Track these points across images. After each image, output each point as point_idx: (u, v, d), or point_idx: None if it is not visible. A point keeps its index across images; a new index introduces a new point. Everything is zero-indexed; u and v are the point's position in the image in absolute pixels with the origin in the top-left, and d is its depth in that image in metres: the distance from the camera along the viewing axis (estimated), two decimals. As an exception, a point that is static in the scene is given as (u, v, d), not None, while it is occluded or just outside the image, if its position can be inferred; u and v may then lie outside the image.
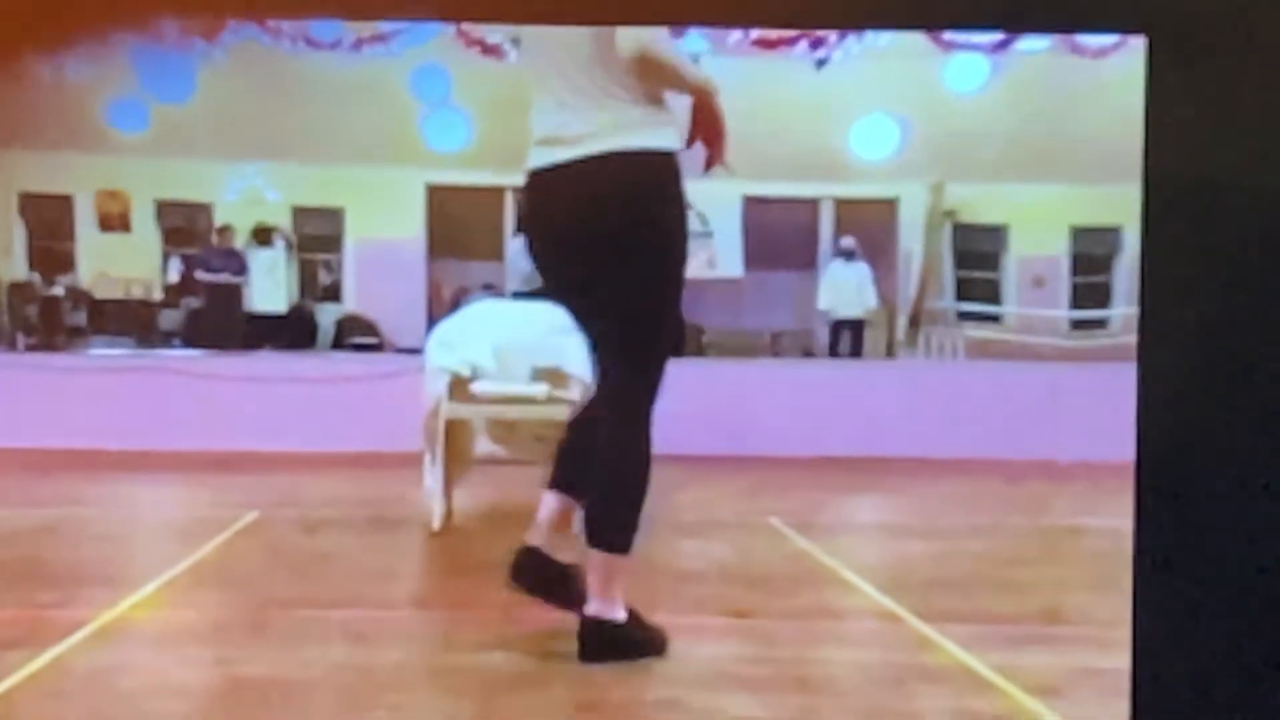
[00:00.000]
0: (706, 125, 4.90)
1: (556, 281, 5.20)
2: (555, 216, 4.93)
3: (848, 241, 21.84)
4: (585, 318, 5.11)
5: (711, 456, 13.29)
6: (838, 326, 21.66)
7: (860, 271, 21.63)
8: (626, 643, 4.83)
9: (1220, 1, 1.30)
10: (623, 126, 4.74)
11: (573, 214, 4.85)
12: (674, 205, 4.86)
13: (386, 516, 9.41)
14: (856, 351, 21.45)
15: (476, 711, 4.17)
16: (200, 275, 20.61)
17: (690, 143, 4.88)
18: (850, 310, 21.52)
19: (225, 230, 21.18)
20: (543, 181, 4.87)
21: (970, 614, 5.87)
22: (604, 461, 4.92)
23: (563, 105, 4.79)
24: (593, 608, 4.82)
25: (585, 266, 4.91)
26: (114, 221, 22.98)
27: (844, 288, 21.52)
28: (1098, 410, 10.49)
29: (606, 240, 4.82)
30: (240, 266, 20.73)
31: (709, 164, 4.96)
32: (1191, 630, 1.36)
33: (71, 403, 14.56)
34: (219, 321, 19.96)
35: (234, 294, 20.58)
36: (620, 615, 4.84)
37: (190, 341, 20.04)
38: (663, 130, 4.79)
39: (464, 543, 8.17)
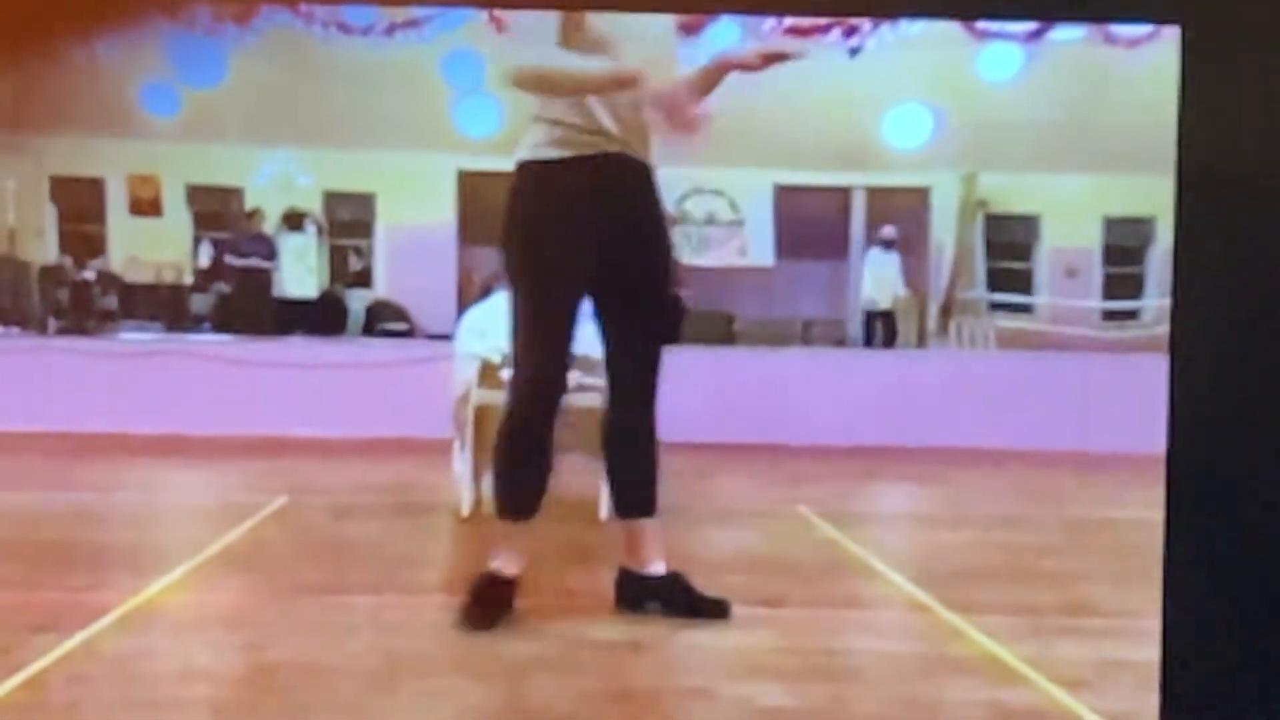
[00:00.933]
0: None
1: None
2: None
3: (890, 230, 21.84)
4: None
5: (741, 445, 13.29)
6: (871, 317, 21.67)
7: (894, 262, 21.67)
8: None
9: (1255, -8, 1.29)
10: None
11: None
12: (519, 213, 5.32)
13: (416, 502, 9.43)
14: (890, 341, 21.45)
15: (505, 698, 4.17)
16: (230, 260, 20.64)
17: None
18: (886, 301, 21.56)
19: (254, 214, 21.21)
20: None
21: (1000, 605, 5.86)
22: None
23: None
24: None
25: None
26: (145, 206, 23.03)
27: (885, 277, 21.56)
28: (1129, 401, 10.47)
29: None
30: (270, 251, 20.76)
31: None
32: (1221, 623, 1.36)
33: (102, 387, 14.62)
34: (249, 307, 20.00)
35: (264, 279, 20.62)
36: None
37: (220, 326, 20.07)
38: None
39: (493, 529, 8.17)
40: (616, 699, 4.18)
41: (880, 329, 21.53)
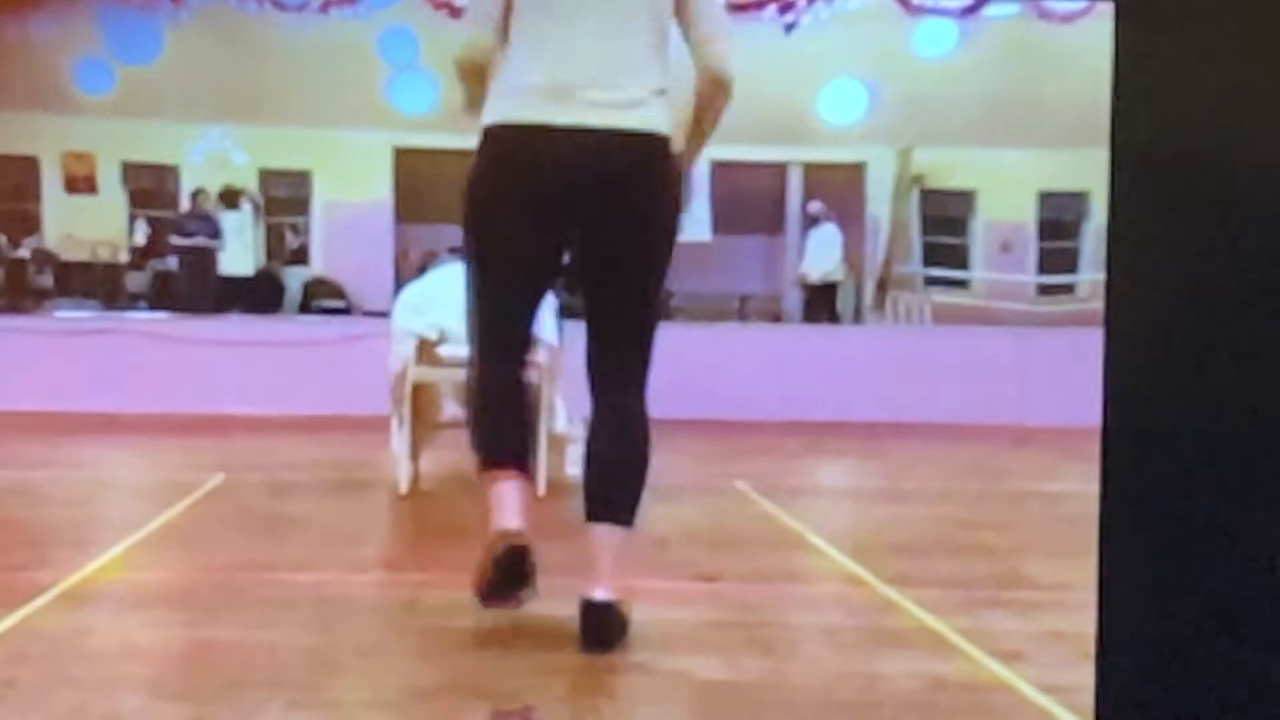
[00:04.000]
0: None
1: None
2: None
3: (815, 206, 21.98)
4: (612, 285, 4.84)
5: (678, 420, 13.27)
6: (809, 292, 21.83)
7: (830, 235, 21.85)
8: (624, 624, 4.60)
9: (1188, -32, 1.30)
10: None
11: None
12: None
13: (353, 480, 9.41)
14: (831, 316, 21.58)
15: (443, 674, 4.17)
16: (175, 240, 20.56)
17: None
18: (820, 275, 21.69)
19: (199, 194, 21.11)
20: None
21: (936, 578, 5.88)
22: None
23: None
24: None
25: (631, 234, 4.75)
26: (80, 183, 22.90)
27: (824, 251, 21.72)
28: (1064, 375, 10.56)
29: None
30: (215, 230, 20.68)
31: None
32: (1156, 594, 1.37)
33: (38, 365, 14.52)
34: (195, 285, 19.95)
35: (209, 258, 20.55)
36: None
37: (162, 305, 19.97)
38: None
39: (431, 506, 8.18)
40: (556, 673, 4.19)
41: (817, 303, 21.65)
